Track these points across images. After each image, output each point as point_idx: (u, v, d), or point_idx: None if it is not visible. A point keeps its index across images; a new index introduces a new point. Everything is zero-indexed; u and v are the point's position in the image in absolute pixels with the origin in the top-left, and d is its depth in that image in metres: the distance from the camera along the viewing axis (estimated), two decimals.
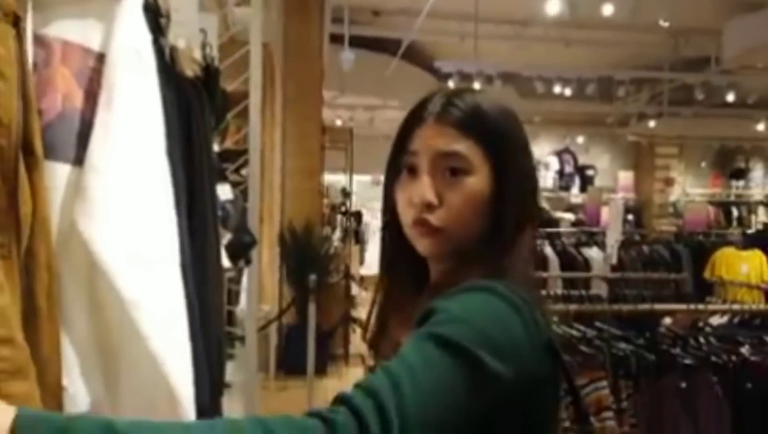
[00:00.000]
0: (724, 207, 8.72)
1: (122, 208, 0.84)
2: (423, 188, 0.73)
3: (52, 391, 0.74)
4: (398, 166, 0.76)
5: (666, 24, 5.06)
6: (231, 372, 2.65)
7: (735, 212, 8.74)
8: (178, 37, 1.48)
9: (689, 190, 8.91)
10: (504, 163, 0.74)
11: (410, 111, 0.78)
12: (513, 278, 0.70)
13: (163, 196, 0.96)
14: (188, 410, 0.90)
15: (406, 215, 0.75)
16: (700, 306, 1.79)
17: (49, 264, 0.74)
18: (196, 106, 1.28)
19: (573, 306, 1.67)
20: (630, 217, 8.10)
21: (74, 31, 0.84)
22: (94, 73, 0.85)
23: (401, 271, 0.80)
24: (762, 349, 1.56)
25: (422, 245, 0.75)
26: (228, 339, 2.62)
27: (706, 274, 4.52)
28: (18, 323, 0.68)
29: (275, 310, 4.43)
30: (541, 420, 0.69)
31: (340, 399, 0.56)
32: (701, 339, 1.59)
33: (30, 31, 0.79)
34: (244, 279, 2.79)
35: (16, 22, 0.69)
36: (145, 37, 0.94)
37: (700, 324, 1.76)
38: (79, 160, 0.82)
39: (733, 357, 1.51)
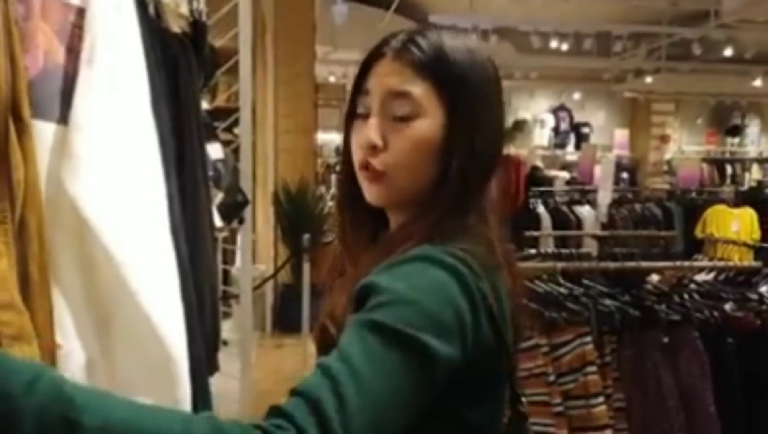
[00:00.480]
0: (718, 164, 8.73)
1: (109, 166, 0.84)
2: (368, 130, 0.69)
3: (47, 357, 0.75)
4: (355, 108, 0.72)
5: None
6: (228, 330, 2.70)
7: (729, 169, 8.75)
8: None
9: (685, 147, 8.89)
10: (459, 110, 0.68)
11: (373, 46, 0.72)
12: (465, 236, 0.66)
13: (151, 154, 0.96)
14: (181, 365, 0.92)
15: (354, 159, 0.71)
16: (686, 264, 1.82)
17: (40, 232, 0.75)
18: (182, 62, 1.26)
19: (560, 264, 1.69)
20: (625, 174, 8.10)
21: None
22: (75, 29, 0.84)
23: (358, 221, 0.76)
24: (744, 305, 1.60)
25: (368, 192, 0.71)
26: (224, 297, 2.65)
27: (697, 232, 4.57)
28: (17, 288, 0.69)
29: (271, 270, 4.47)
30: (493, 390, 0.68)
31: (282, 414, 0.50)
32: (685, 296, 1.62)
33: None
34: (239, 239, 2.81)
35: None
36: None
37: (686, 281, 1.79)
38: (63, 119, 0.82)
39: (715, 313, 1.55)
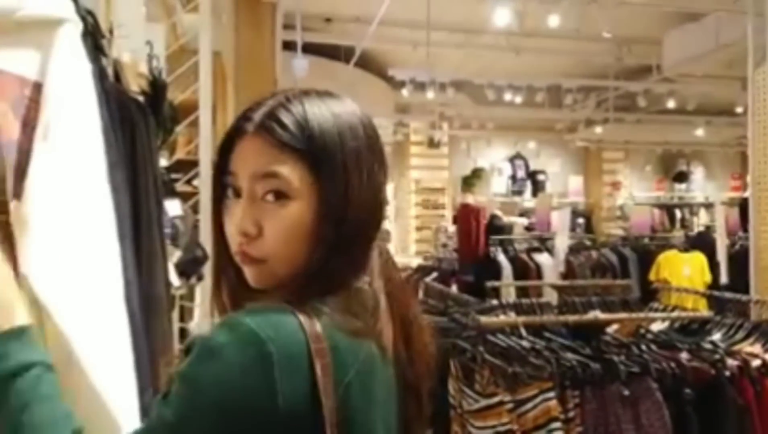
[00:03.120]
0: (668, 209, 9.09)
1: (60, 239, 0.82)
2: (240, 217, 0.65)
3: None
4: (222, 188, 0.68)
5: (609, 35, 5.25)
6: None
7: (678, 214, 9.12)
8: (124, 50, 1.44)
9: (635, 193, 9.25)
10: (330, 182, 0.65)
11: (235, 117, 0.68)
12: (323, 300, 0.63)
13: (105, 222, 0.94)
14: None
15: (231, 242, 0.67)
16: (641, 315, 1.86)
17: None
18: (140, 125, 1.26)
19: (522, 318, 1.71)
20: (580, 220, 8.34)
21: (10, 60, 0.82)
22: (31, 103, 0.83)
23: (229, 278, 0.71)
24: (698, 354, 1.64)
25: (249, 276, 0.68)
26: (183, 354, 2.55)
27: (651, 277, 4.70)
28: None
29: None
30: None
31: None
32: (643, 347, 1.65)
33: None
34: (197, 295, 2.74)
35: None
36: (84, 63, 0.92)
37: (642, 331, 1.83)
38: (17, 194, 0.80)
39: (672, 364, 1.58)
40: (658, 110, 7.58)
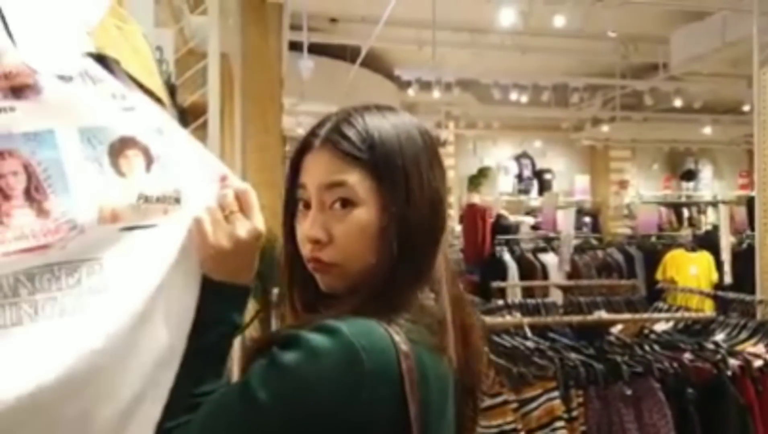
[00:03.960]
0: (675, 208, 9.05)
1: None
2: (310, 225, 0.70)
3: None
4: (294, 199, 0.73)
5: (614, 35, 5.24)
6: None
7: (686, 213, 9.07)
8: None
9: (643, 192, 9.20)
10: (394, 189, 0.69)
11: (302, 138, 0.74)
12: (402, 311, 0.66)
13: None
14: None
15: (303, 251, 0.72)
16: (645, 316, 1.88)
17: None
18: None
19: (528, 319, 1.73)
20: (587, 219, 8.32)
21: None
22: None
23: (302, 281, 0.75)
24: (701, 355, 1.66)
25: (321, 282, 0.72)
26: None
27: (658, 276, 4.70)
28: None
29: None
30: None
31: None
32: (646, 347, 1.67)
33: None
34: None
35: None
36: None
37: (646, 331, 1.84)
38: None
39: (675, 364, 1.60)
40: (665, 108, 7.55)
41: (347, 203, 0.69)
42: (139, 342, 0.64)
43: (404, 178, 0.70)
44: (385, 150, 0.70)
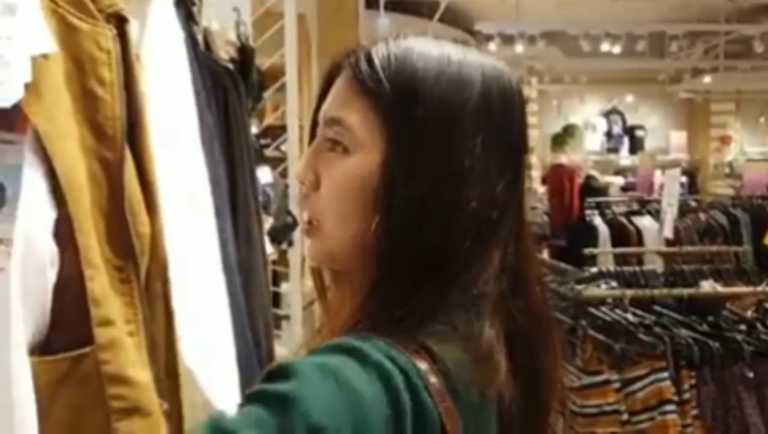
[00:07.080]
0: None
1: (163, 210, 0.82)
2: (300, 162, 0.56)
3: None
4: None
5: None
6: (278, 350, 2.69)
7: None
8: (212, 18, 1.44)
9: (747, 148, 8.48)
10: (399, 140, 0.50)
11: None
12: (426, 327, 0.49)
13: (202, 194, 0.95)
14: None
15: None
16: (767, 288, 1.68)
17: (165, 293, 0.69)
18: (232, 93, 1.27)
19: (629, 291, 1.59)
20: (684, 179, 7.77)
21: None
22: None
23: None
24: None
25: (306, 250, 0.57)
26: (275, 319, 2.65)
27: (767, 241, 4.30)
28: (138, 357, 0.62)
29: None
30: None
31: None
32: None
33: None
34: (290, 260, 2.81)
35: (119, 22, 0.65)
36: (177, 31, 0.91)
37: (767, 305, 1.65)
38: None
39: None
40: None
41: (344, 147, 0.53)
42: None
43: (423, 128, 0.50)
44: (405, 84, 0.51)
